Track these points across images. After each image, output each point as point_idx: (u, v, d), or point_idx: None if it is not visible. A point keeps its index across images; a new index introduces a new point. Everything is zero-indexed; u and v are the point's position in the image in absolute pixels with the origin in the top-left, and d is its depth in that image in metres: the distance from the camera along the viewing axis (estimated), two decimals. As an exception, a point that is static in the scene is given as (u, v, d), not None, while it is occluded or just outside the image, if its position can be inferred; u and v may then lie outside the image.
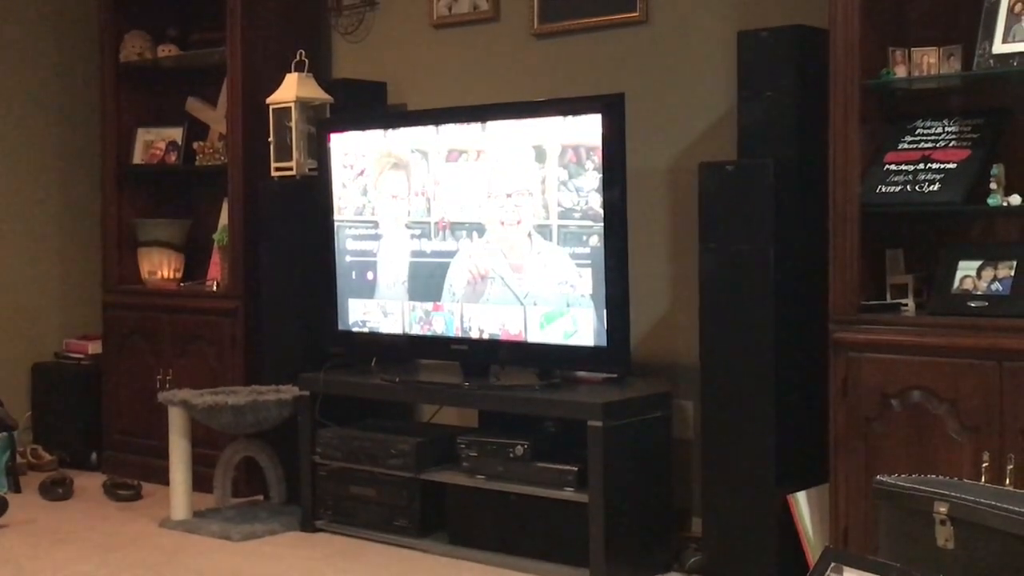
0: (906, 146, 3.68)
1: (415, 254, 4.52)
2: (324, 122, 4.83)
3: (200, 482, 4.82)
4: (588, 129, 4.03)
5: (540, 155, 4.15)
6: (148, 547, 4.40)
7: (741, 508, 3.82)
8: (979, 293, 3.47)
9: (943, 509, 2.47)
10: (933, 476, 2.73)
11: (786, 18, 3.93)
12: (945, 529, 2.47)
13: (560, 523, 4.03)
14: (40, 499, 5.11)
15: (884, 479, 2.63)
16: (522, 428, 4.20)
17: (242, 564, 4.18)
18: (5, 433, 5.25)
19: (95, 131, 5.74)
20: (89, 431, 5.68)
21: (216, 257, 5.39)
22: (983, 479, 3.27)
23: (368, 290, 4.66)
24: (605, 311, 4.04)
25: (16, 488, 5.21)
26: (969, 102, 3.71)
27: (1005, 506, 2.39)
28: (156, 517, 4.76)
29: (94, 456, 5.67)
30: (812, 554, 3.70)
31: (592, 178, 4.03)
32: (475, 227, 4.34)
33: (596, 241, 4.04)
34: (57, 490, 5.14)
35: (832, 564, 2.35)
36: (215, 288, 5.33)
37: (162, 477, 4.94)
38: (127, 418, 5.53)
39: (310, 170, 4.86)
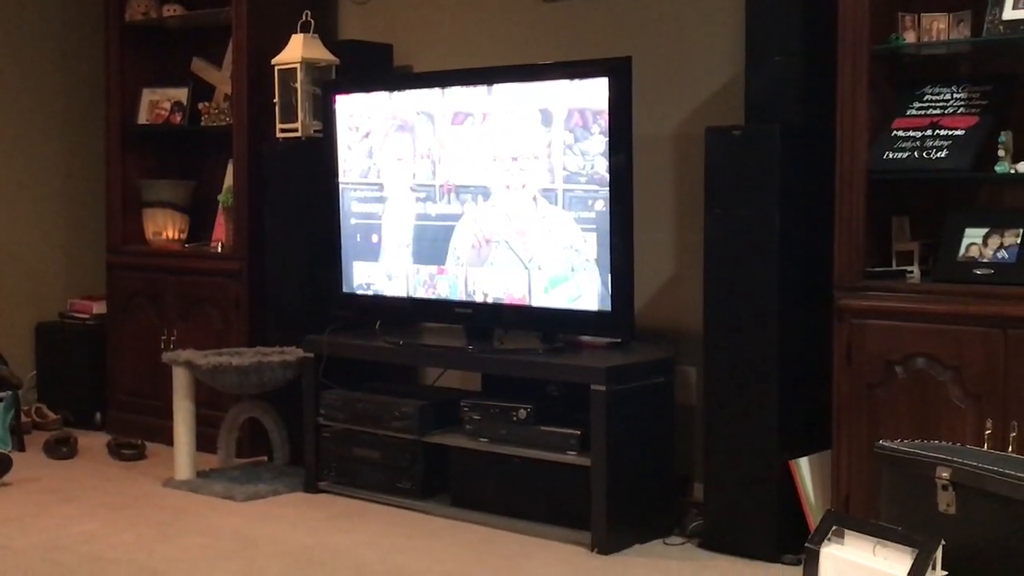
0: (914, 112, 3.67)
1: (420, 217, 4.51)
2: (329, 83, 4.81)
3: (204, 442, 4.84)
4: (595, 93, 4.01)
5: (546, 118, 4.13)
6: (152, 506, 4.42)
7: (743, 473, 3.82)
8: (985, 261, 3.47)
9: (945, 474, 2.48)
10: (935, 441, 2.74)
11: (795, -18, 3.90)
12: (947, 494, 2.48)
13: (562, 487, 4.04)
14: (44, 458, 5.13)
15: (886, 444, 2.63)
16: (525, 392, 4.21)
17: (245, 524, 4.20)
18: (9, 392, 5.26)
19: (100, 91, 5.73)
20: (93, 391, 5.70)
21: (221, 218, 5.38)
22: (986, 446, 3.27)
23: (373, 253, 4.66)
24: (609, 276, 4.04)
25: (20, 447, 5.23)
26: (978, 68, 3.69)
27: (1007, 471, 2.40)
28: (160, 477, 4.78)
29: (98, 416, 5.69)
30: (813, 520, 3.71)
31: (598, 142, 4.02)
32: (480, 191, 4.33)
33: (601, 206, 4.03)
34: (61, 449, 5.16)
35: (834, 527, 2.36)
36: (220, 249, 5.33)
37: (166, 437, 4.96)
38: (131, 378, 5.54)
39: (315, 132, 4.85)
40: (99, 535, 4.07)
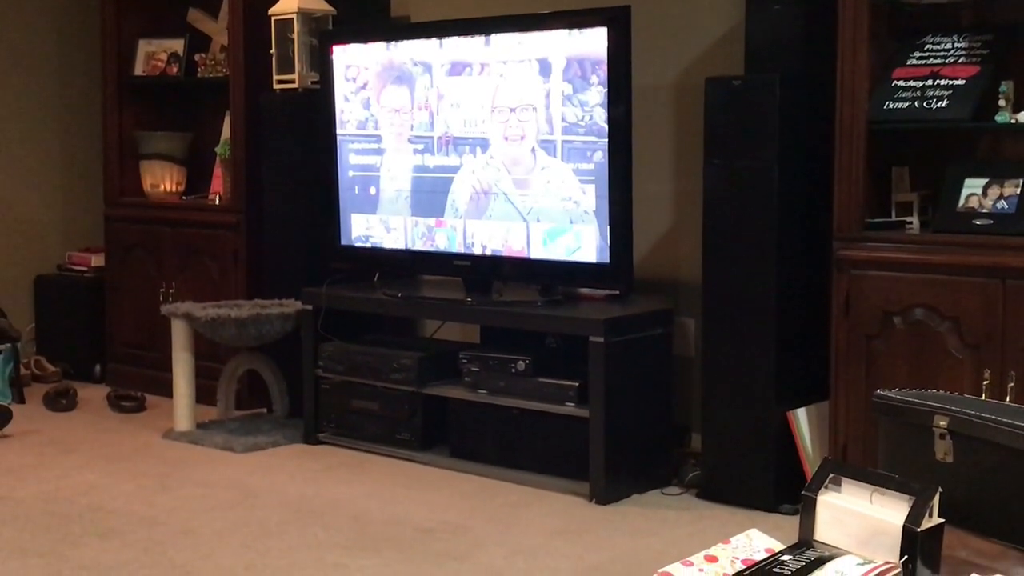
0: (915, 62, 3.64)
1: (418, 169, 4.49)
2: (326, 34, 4.78)
3: (203, 394, 4.85)
4: (594, 43, 3.99)
5: (544, 69, 4.11)
6: (151, 458, 4.44)
7: (741, 424, 3.83)
8: (984, 211, 3.46)
9: (943, 423, 2.47)
10: (933, 391, 2.74)
11: (796, -70, 3.86)
12: (944, 443, 2.47)
13: (560, 438, 4.05)
14: (44, 410, 5.14)
15: (884, 393, 2.63)
16: (524, 344, 4.21)
17: (245, 475, 4.21)
18: (9, 344, 5.27)
19: (96, 42, 5.69)
20: (92, 343, 5.70)
21: (218, 170, 5.36)
22: (983, 397, 3.28)
23: (371, 205, 4.64)
24: (608, 228, 4.03)
25: (20, 399, 5.24)
26: (979, 18, 3.66)
27: (1005, 420, 2.39)
28: (159, 429, 4.80)
29: (98, 368, 5.69)
30: (811, 470, 3.72)
31: (597, 93, 3.99)
32: (478, 142, 4.31)
33: (600, 157, 4.01)
34: (61, 401, 5.17)
35: (831, 475, 2.35)
36: (217, 202, 5.31)
37: (165, 389, 4.97)
38: (130, 330, 5.55)
39: (312, 83, 4.82)
40: (99, 486, 4.08)
